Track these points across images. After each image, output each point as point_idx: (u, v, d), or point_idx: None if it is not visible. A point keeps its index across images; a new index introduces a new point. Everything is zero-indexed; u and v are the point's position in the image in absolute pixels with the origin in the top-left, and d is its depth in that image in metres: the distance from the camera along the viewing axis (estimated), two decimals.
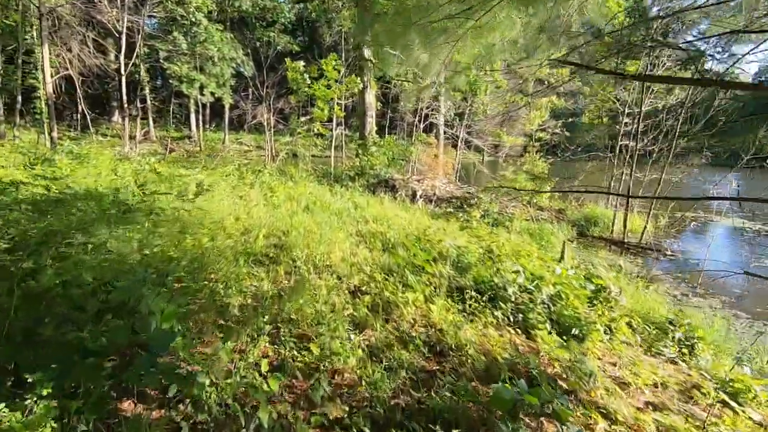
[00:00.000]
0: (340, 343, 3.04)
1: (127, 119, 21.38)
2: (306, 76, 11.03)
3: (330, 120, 16.10)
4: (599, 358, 3.95)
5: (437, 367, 3.15)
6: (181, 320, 2.73)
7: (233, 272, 4.24)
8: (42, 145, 15.95)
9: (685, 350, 4.61)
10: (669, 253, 9.83)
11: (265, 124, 21.56)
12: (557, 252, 8.98)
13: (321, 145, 17.18)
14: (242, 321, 3.01)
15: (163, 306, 2.28)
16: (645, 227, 10.51)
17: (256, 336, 2.93)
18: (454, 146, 18.57)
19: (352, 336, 3.32)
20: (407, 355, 3.14)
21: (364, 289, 4.58)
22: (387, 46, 3.84)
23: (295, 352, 2.83)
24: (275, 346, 3.08)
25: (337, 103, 16.44)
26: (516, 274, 4.63)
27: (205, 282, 3.80)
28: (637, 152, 11.25)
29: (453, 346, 3.38)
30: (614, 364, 3.88)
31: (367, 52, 15.34)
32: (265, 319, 3.03)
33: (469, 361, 3.23)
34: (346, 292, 4.50)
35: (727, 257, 10.04)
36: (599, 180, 15.59)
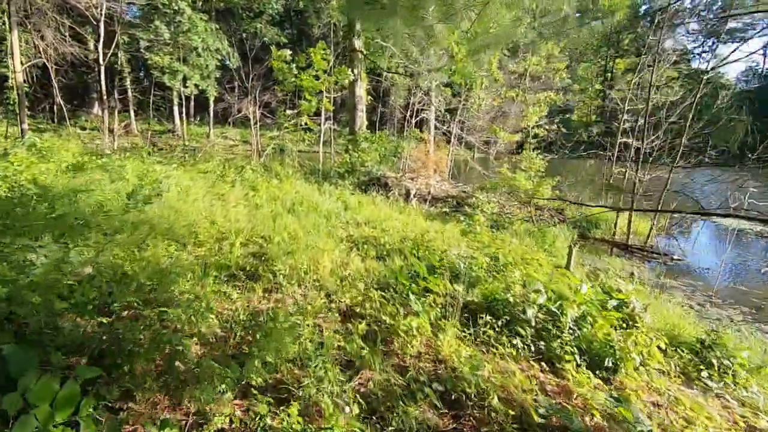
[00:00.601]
0: (329, 398, 2.34)
1: (106, 111, 20.32)
2: (293, 66, 10.23)
3: (318, 114, 15.34)
4: (638, 397, 3.31)
5: (453, 426, 2.47)
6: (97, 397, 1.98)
7: (199, 294, 3.50)
8: (12, 137, 14.90)
9: (727, 379, 4.00)
10: (676, 257, 9.30)
11: (251, 117, 20.71)
12: (562, 257, 8.39)
13: (309, 140, 16.42)
14: (201, 375, 2.28)
15: (53, 389, 1.55)
16: (651, 230, 9.97)
17: (220, 393, 2.21)
18: (447, 142, 17.92)
19: (344, 382, 2.62)
20: (415, 411, 2.45)
21: (357, 310, 3.88)
22: (387, 20, 3.13)
23: (269, 420, 2.12)
24: (246, 400, 2.37)
25: (326, 96, 15.71)
26: (537, 293, 3.96)
27: (163, 308, 3.06)
28: (644, 150, 10.69)
29: (471, 394, 2.69)
30: (658, 406, 3.25)
31: (357, 43, 14.57)
32: (230, 374, 2.30)
33: (493, 414, 2.55)
34: (336, 314, 3.79)
35: (735, 260, 9.56)
36: (598, 179, 15.09)
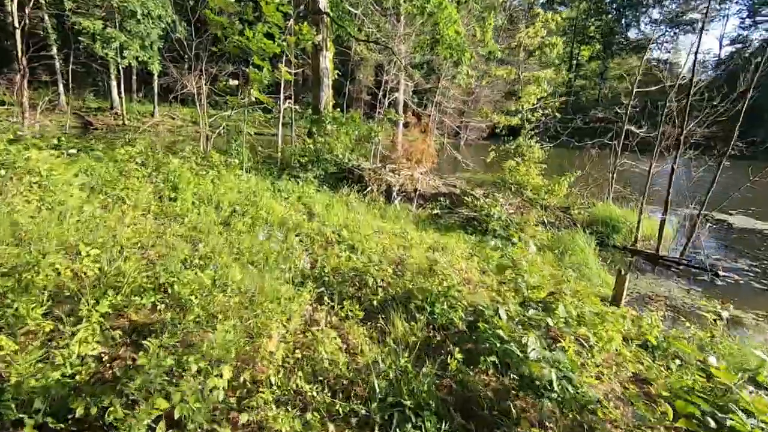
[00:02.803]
0: None
1: (24, 84, 16.71)
2: (235, 22, 7.56)
3: (275, 89, 12.70)
4: None
5: None
6: None
7: None
8: None
9: None
10: (722, 272, 7.51)
11: (195, 93, 17.65)
12: (590, 277, 6.36)
13: (265, 121, 13.82)
14: None
15: None
16: (690, 237, 8.11)
17: None
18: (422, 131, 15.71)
19: None
20: None
21: None
22: None
23: None
24: None
25: (287, 64, 13.09)
26: None
27: None
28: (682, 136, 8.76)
29: None
30: None
31: (322, 2, 11.94)
32: None
33: None
34: None
35: None
36: (598, 171, 13.28)
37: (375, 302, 3.69)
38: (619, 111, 14.04)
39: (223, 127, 16.75)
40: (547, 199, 8.91)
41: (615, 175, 12.28)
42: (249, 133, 15.06)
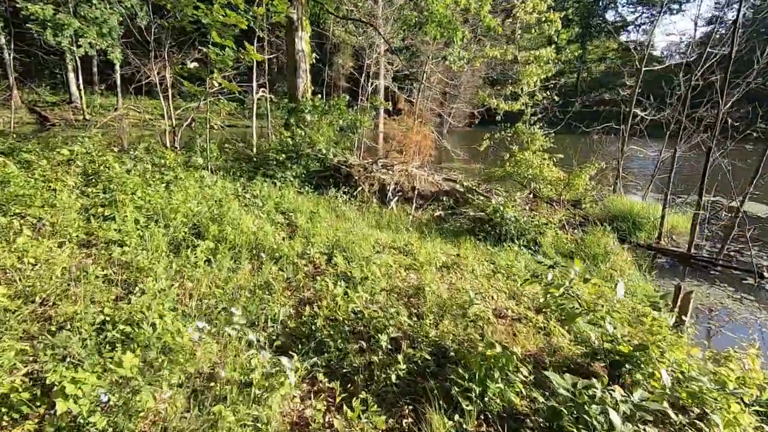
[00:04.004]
0: None
1: None
2: None
3: (247, 79, 11.28)
4: None
5: None
6: None
7: None
8: None
9: None
10: None
11: (158, 84, 15.96)
12: (635, 290, 5.29)
13: (235, 111, 12.36)
14: None
15: None
16: (730, 234, 7.12)
17: None
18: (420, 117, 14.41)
19: None
20: None
21: None
22: None
23: None
24: None
25: (258, 45, 11.66)
26: None
27: None
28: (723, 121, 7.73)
29: None
30: None
31: None
32: None
33: None
34: None
35: None
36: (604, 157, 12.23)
37: (394, 377, 2.48)
38: (622, 92, 13.05)
39: (191, 120, 15.15)
40: (563, 194, 7.80)
41: (622, 161, 11.30)
42: (220, 126, 13.61)
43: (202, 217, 4.60)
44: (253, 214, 5.30)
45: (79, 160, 5.73)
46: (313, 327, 2.92)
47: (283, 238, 4.66)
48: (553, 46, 11.68)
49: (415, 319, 3.38)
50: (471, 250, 5.60)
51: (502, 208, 6.22)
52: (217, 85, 6.54)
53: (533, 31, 12.84)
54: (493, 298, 4.23)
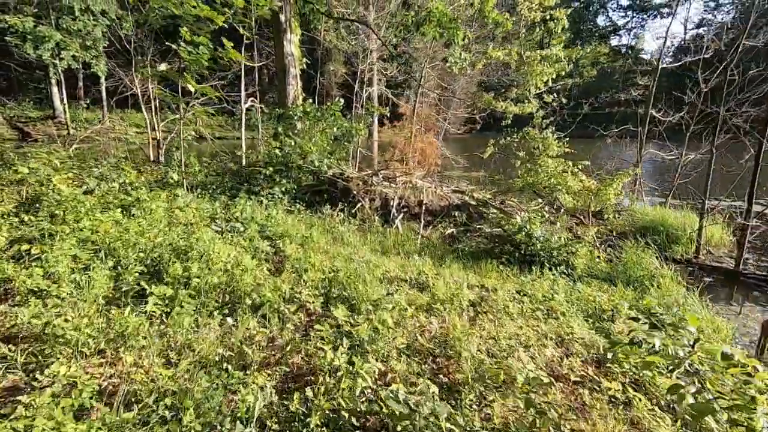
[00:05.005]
0: None
1: None
2: None
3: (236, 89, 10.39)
4: None
5: None
6: None
7: None
8: None
9: None
10: None
11: (140, 95, 15.07)
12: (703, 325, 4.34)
13: (219, 122, 11.52)
14: None
15: None
16: None
17: None
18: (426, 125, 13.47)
19: None
20: None
21: None
22: None
23: None
24: None
25: (246, 53, 10.93)
26: None
27: None
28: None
29: None
30: None
31: None
32: None
33: None
34: None
35: None
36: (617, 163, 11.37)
37: None
38: (634, 93, 12.23)
39: (174, 132, 14.20)
40: (592, 206, 6.89)
41: (639, 164, 10.44)
42: (217, 137, 12.62)
43: (164, 250, 3.63)
44: (230, 242, 4.32)
45: (32, 177, 4.80)
46: (302, 426, 1.95)
47: (268, 275, 3.69)
48: (561, 45, 10.85)
49: (446, 390, 2.43)
50: (497, 278, 4.65)
51: (528, 225, 5.27)
52: (192, 90, 5.62)
53: (537, 29, 12.06)
54: (538, 346, 3.28)
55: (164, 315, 2.85)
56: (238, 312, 2.94)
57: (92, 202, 4.60)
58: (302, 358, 2.59)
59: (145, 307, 2.80)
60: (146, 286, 2.96)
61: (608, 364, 3.09)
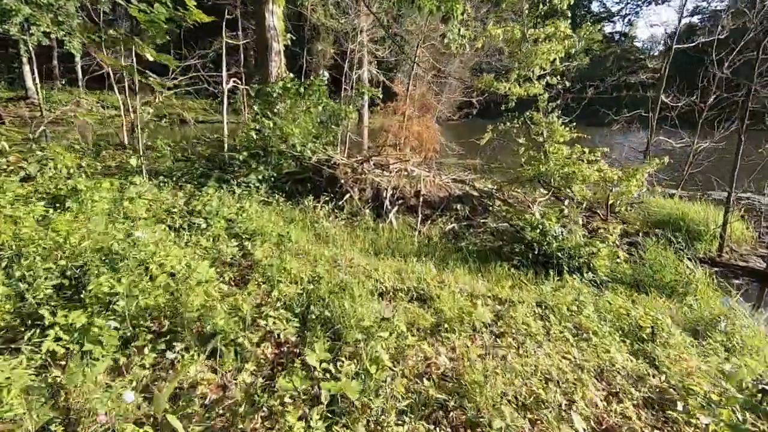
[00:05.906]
0: None
1: None
2: None
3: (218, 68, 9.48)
4: None
5: None
6: None
7: None
8: None
9: None
10: None
11: (111, 73, 13.91)
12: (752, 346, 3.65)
13: (197, 104, 10.57)
14: None
15: None
16: None
17: None
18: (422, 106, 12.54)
19: None
20: None
21: None
22: None
23: None
24: None
25: (231, 33, 10.10)
26: None
27: None
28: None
29: None
30: None
31: None
32: None
33: None
34: None
35: None
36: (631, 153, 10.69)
37: None
38: (643, 76, 11.48)
39: (148, 114, 13.16)
40: (611, 198, 6.16)
41: (648, 153, 9.73)
42: (199, 121, 11.67)
43: (92, 257, 2.79)
44: (187, 244, 3.49)
45: None
46: None
47: (227, 291, 2.88)
48: (567, 22, 10.02)
49: None
50: (510, 286, 3.88)
51: (545, 222, 4.51)
52: (150, 58, 4.73)
53: (541, 5, 11.18)
54: (574, 382, 2.53)
55: (74, 354, 2.04)
56: (176, 349, 2.13)
57: (23, 192, 3.75)
58: (262, 422, 1.80)
59: (42, 345, 1.98)
60: (46, 313, 2.12)
61: (668, 410, 2.37)
